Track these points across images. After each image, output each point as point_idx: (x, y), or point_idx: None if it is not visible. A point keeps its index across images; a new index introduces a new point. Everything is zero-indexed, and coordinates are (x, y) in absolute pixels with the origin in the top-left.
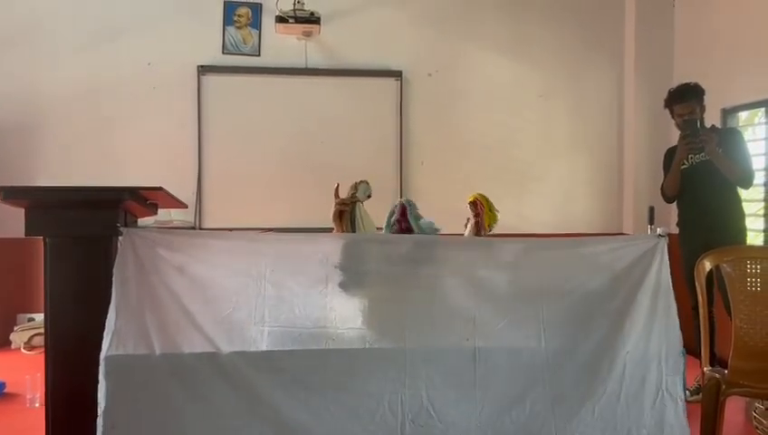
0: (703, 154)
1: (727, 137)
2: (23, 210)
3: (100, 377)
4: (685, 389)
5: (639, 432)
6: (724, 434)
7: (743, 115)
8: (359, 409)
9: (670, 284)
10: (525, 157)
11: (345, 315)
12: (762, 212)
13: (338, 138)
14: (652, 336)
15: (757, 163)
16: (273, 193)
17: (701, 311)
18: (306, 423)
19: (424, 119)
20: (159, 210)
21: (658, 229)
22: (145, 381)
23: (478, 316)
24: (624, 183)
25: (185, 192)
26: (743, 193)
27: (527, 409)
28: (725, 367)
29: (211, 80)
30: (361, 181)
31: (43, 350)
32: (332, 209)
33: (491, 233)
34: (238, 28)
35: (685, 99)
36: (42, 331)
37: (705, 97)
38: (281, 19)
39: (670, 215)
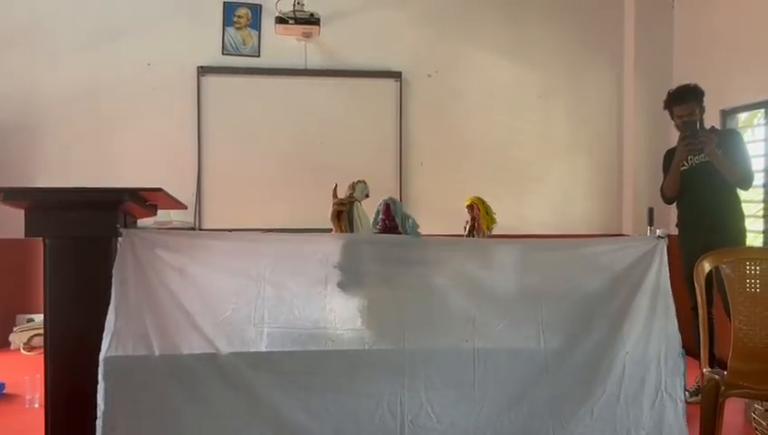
0: (702, 155)
1: (727, 138)
2: (22, 211)
3: (100, 378)
4: (684, 390)
5: (638, 433)
6: None
7: (742, 116)
8: (358, 410)
9: (669, 285)
10: (525, 157)
11: (344, 316)
12: (761, 213)
13: (337, 139)
14: (651, 337)
15: (756, 164)
16: (272, 194)
17: (700, 312)
18: (305, 424)
19: (423, 120)
20: (159, 211)
21: (658, 231)
22: (144, 381)
23: (478, 317)
24: (624, 184)
25: (184, 193)
26: (742, 194)
27: (526, 409)
28: (725, 368)
29: (211, 80)
30: (359, 181)
31: (42, 350)
32: (330, 209)
33: (489, 235)
34: (238, 29)
35: (684, 100)
36: (41, 331)
37: (704, 98)
38: (280, 20)
39: (670, 216)
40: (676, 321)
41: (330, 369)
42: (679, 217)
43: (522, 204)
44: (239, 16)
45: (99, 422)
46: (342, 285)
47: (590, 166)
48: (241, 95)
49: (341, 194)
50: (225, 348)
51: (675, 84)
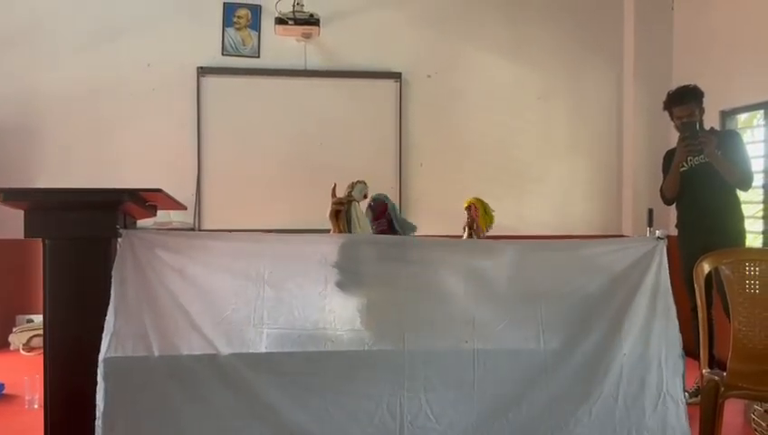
0: (702, 156)
1: (726, 139)
2: (22, 212)
3: (99, 378)
4: (684, 391)
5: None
6: None
7: (741, 117)
8: (357, 411)
9: (669, 286)
10: (524, 158)
11: (344, 317)
12: (760, 214)
13: (337, 139)
14: (651, 338)
15: (756, 165)
16: (272, 194)
17: (700, 313)
18: (305, 425)
19: (423, 120)
20: (159, 212)
21: (657, 231)
22: (144, 382)
23: (477, 318)
24: (623, 185)
25: (184, 193)
26: (742, 195)
27: (525, 410)
28: (724, 369)
29: (210, 81)
30: (358, 181)
31: (41, 351)
32: (329, 209)
33: (488, 235)
34: (238, 30)
35: (684, 101)
36: (40, 332)
37: (704, 99)
38: (280, 21)
39: (669, 217)
40: (676, 322)
41: (329, 370)
42: (679, 217)
43: (521, 204)
44: (239, 17)
45: (98, 423)
46: (341, 285)
47: (590, 166)
48: (241, 96)
49: (340, 194)
50: (224, 349)
51: (674, 85)
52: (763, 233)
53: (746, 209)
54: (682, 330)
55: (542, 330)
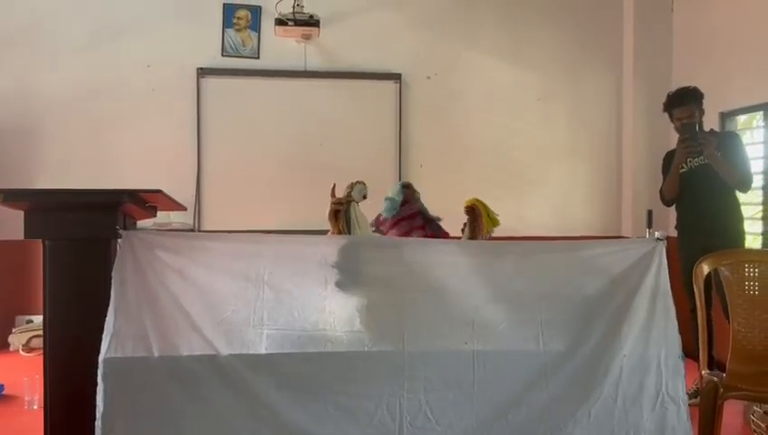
0: (702, 158)
1: (726, 140)
2: (22, 212)
3: (99, 379)
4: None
5: None
6: None
7: (741, 118)
8: (357, 411)
9: (669, 287)
10: (524, 159)
11: (344, 318)
12: (760, 215)
13: (337, 140)
14: (651, 339)
15: (755, 167)
16: (272, 195)
17: (699, 314)
18: (305, 425)
19: (423, 121)
20: (158, 212)
21: (657, 233)
22: (144, 383)
23: (477, 319)
24: (623, 186)
25: (184, 194)
26: (741, 197)
27: (525, 411)
28: (724, 370)
29: (210, 82)
30: (357, 182)
31: (41, 352)
32: (328, 209)
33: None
34: (238, 30)
35: (684, 102)
36: (40, 333)
37: (703, 100)
38: (280, 22)
39: (669, 218)
40: (676, 323)
41: (329, 370)
42: (678, 219)
43: (521, 205)
44: (239, 18)
45: (98, 423)
46: (341, 285)
47: (590, 168)
48: (240, 97)
49: (340, 194)
50: (224, 349)
51: (674, 86)
52: (763, 234)
53: (746, 211)
54: (681, 331)
55: (542, 331)
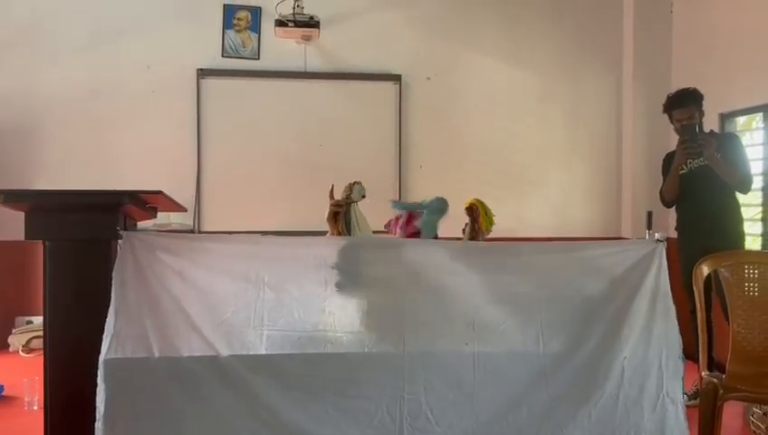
0: (701, 159)
1: (725, 142)
2: (22, 213)
3: (99, 380)
4: (683, 393)
5: None
6: None
7: (740, 120)
8: (357, 412)
9: (669, 288)
10: (524, 160)
11: (344, 319)
12: (759, 216)
13: (337, 141)
14: (651, 341)
15: (755, 168)
16: (272, 196)
17: (699, 315)
18: (305, 427)
19: (423, 122)
20: (158, 213)
21: (657, 234)
22: (144, 384)
23: (477, 320)
24: (622, 187)
25: (184, 195)
26: (741, 198)
27: (525, 413)
28: (724, 372)
29: (210, 83)
30: (356, 182)
31: (41, 352)
32: (327, 210)
33: (488, 237)
34: (238, 31)
35: (684, 104)
36: (40, 333)
37: (703, 102)
38: (280, 23)
39: (668, 219)
40: (676, 324)
41: (329, 371)
42: (678, 220)
43: (521, 207)
44: (239, 19)
45: (98, 424)
46: (341, 286)
47: (589, 169)
48: (240, 98)
49: (338, 195)
50: (224, 350)
51: (673, 88)
52: (763, 235)
53: (745, 212)
54: (682, 332)
55: (542, 332)
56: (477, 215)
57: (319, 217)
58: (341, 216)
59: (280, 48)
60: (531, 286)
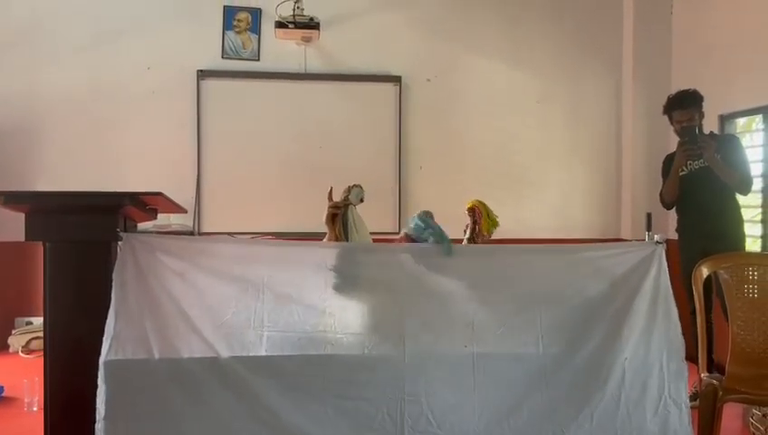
0: (702, 160)
1: (725, 143)
2: (22, 214)
3: (100, 381)
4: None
5: None
6: None
7: (740, 121)
8: (358, 414)
9: (670, 290)
10: (524, 162)
11: (344, 321)
12: (759, 218)
13: (337, 143)
14: (652, 343)
15: (755, 169)
16: (271, 198)
17: (698, 317)
18: (305, 428)
19: (423, 124)
20: (158, 214)
21: (656, 236)
22: (144, 385)
23: (477, 322)
24: (622, 189)
25: (184, 196)
26: (741, 199)
27: (525, 415)
28: (724, 373)
29: (210, 84)
30: (355, 185)
31: (41, 353)
32: (325, 212)
33: (491, 239)
34: (238, 33)
35: (684, 105)
36: (40, 334)
37: (703, 103)
38: (280, 24)
39: (668, 221)
40: (678, 326)
41: (329, 373)
42: (679, 221)
43: (521, 208)
44: (239, 20)
45: (98, 426)
46: (339, 289)
47: (589, 170)
48: (240, 99)
49: (337, 197)
50: (224, 352)
51: (673, 89)
52: (762, 237)
53: (745, 213)
54: (683, 334)
55: (542, 334)
56: (479, 216)
57: (319, 218)
58: (339, 218)
59: (280, 49)
60: (530, 288)
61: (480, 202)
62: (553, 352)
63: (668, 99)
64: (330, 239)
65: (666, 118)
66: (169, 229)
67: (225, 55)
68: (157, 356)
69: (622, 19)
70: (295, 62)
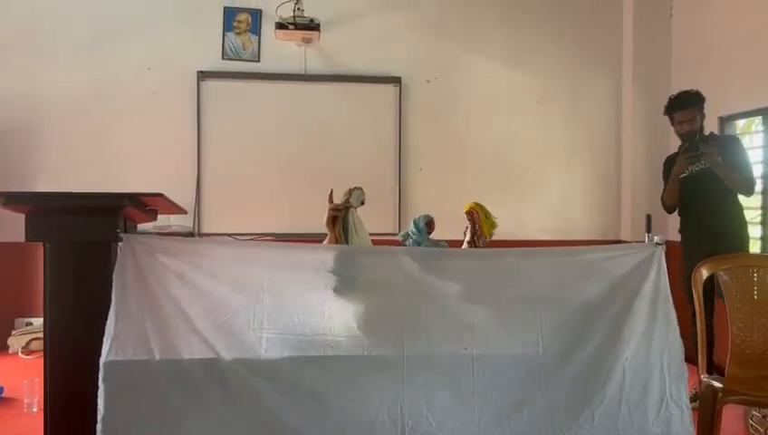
0: (703, 162)
1: (727, 145)
2: (22, 215)
3: (100, 382)
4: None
5: None
6: None
7: (740, 123)
8: (358, 416)
9: (669, 292)
10: (524, 163)
11: (344, 323)
12: (759, 220)
13: (337, 144)
14: (652, 344)
15: (754, 171)
16: (271, 199)
17: (698, 319)
18: (305, 430)
19: (423, 125)
20: (158, 215)
21: (656, 238)
22: (144, 386)
23: (476, 324)
24: (622, 190)
25: (184, 197)
26: (743, 200)
27: (526, 416)
28: (724, 375)
29: (210, 85)
30: (355, 188)
31: (40, 354)
32: (325, 215)
33: (490, 240)
34: (238, 34)
35: (685, 106)
36: (40, 335)
37: (705, 104)
38: (280, 25)
39: (667, 222)
40: (677, 328)
41: (329, 375)
42: (682, 223)
43: (521, 209)
44: (239, 21)
45: (98, 427)
46: (338, 291)
47: (589, 171)
48: (240, 100)
49: (337, 200)
50: (224, 353)
51: (673, 91)
52: (762, 238)
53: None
54: (683, 335)
55: (542, 335)
56: (477, 219)
57: (319, 219)
58: (340, 220)
59: (280, 50)
60: (530, 290)
61: (478, 205)
62: (554, 353)
63: (670, 99)
64: (330, 242)
65: (665, 119)
66: (169, 230)
67: (225, 56)
68: (157, 357)
69: (622, 20)
70: (295, 63)
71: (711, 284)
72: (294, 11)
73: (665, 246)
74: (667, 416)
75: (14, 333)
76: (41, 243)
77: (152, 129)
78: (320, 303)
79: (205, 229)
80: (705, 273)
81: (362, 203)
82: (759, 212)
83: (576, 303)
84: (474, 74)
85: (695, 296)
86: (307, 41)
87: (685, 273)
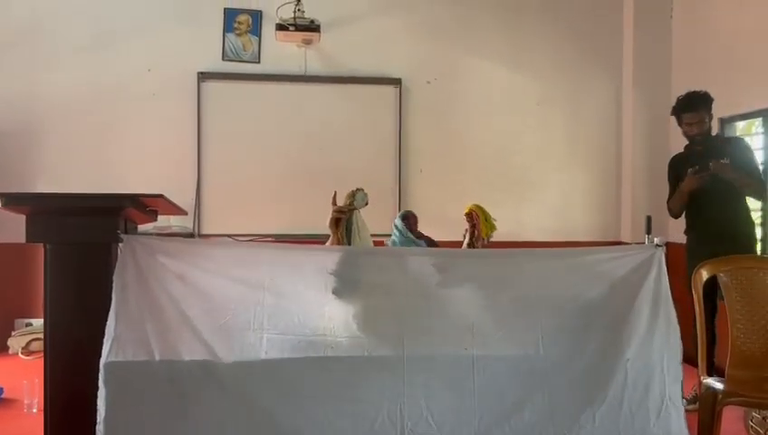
0: (710, 163)
1: (735, 148)
2: (23, 215)
3: (100, 383)
4: (682, 398)
5: None
6: None
7: (740, 124)
8: (358, 417)
9: (669, 293)
10: (524, 164)
11: (344, 324)
12: (758, 221)
13: (337, 145)
14: (653, 345)
15: None
16: (272, 199)
17: (698, 319)
18: (305, 431)
19: (423, 126)
20: (159, 216)
21: (656, 239)
22: (145, 387)
23: (477, 325)
24: (622, 191)
25: (184, 198)
26: (749, 202)
27: (526, 417)
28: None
29: (211, 86)
30: (358, 189)
31: (40, 355)
32: (329, 217)
33: (490, 241)
34: (238, 35)
35: (694, 108)
36: (40, 336)
37: (713, 105)
38: (281, 27)
39: (668, 224)
40: (678, 329)
41: (329, 376)
42: (687, 224)
43: (521, 210)
44: (239, 22)
45: (99, 427)
46: (338, 293)
47: (589, 173)
48: (241, 101)
49: (341, 202)
50: (224, 354)
51: (673, 93)
52: (762, 240)
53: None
54: (684, 336)
55: (542, 336)
56: (477, 221)
57: (319, 220)
58: (343, 222)
59: (280, 52)
60: (531, 291)
61: (477, 206)
62: (554, 354)
63: (678, 100)
64: (332, 243)
65: (665, 120)
66: (170, 231)
67: (225, 57)
68: (157, 358)
69: (622, 22)
70: (296, 64)
71: (714, 285)
72: (295, 12)
73: (665, 247)
74: (667, 417)
75: (14, 333)
76: (41, 244)
77: (152, 129)
78: (320, 304)
79: (205, 230)
80: (705, 274)
81: (366, 204)
82: (759, 213)
83: (576, 304)
84: (474, 76)
85: (694, 298)
86: (307, 42)
87: (689, 273)
